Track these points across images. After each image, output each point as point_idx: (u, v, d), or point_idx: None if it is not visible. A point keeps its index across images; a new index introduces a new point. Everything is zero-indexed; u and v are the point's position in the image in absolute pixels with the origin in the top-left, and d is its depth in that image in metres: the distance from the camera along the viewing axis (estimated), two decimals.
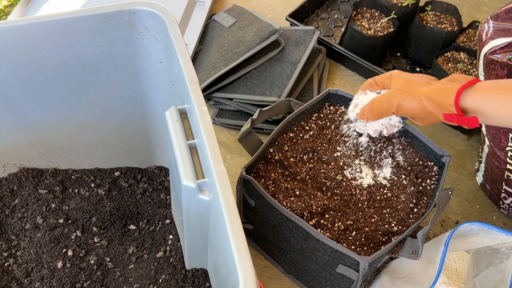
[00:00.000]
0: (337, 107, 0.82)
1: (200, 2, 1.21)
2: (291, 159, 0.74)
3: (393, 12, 1.08)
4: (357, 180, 0.72)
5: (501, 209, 0.88)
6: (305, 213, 0.67)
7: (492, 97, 0.55)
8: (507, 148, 0.76)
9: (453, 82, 0.57)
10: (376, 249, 0.64)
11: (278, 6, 1.31)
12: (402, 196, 0.70)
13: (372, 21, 1.11)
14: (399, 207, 0.69)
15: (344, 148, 0.76)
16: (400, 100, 0.61)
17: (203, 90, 0.98)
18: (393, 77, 0.65)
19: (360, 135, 0.74)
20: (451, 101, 0.56)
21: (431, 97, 0.58)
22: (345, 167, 0.74)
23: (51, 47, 0.64)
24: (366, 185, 0.72)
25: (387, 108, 0.63)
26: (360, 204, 0.69)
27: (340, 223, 0.67)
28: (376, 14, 1.13)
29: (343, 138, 0.76)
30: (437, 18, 1.12)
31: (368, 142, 0.74)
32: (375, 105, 0.66)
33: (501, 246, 0.64)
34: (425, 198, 0.70)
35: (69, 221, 0.79)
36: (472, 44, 1.06)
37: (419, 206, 0.69)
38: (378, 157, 0.74)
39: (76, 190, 0.83)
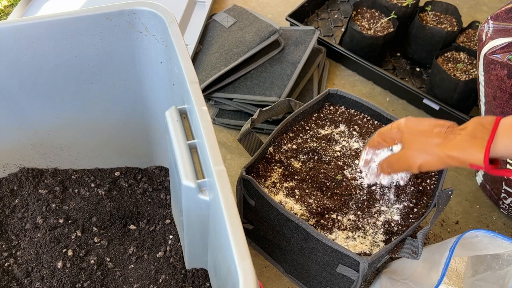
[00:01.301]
0: (337, 107, 0.82)
1: (200, 2, 1.21)
2: (291, 159, 0.74)
3: (393, 12, 1.08)
4: (357, 180, 0.72)
5: (501, 209, 0.88)
6: (305, 213, 0.67)
7: None
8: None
9: (475, 139, 0.52)
10: (376, 249, 0.64)
11: (278, 6, 1.31)
12: (402, 196, 0.71)
13: (372, 21, 1.11)
14: (399, 207, 0.69)
15: (344, 149, 0.76)
16: (421, 162, 0.57)
17: (203, 90, 0.98)
18: (404, 134, 0.59)
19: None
20: (480, 162, 0.52)
21: (454, 156, 0.54)
22: (345, 167, 0.74)
23: (51, 47, 0.64)
24: (366, 185, 0.72)
25: (407, 168, 0.59)
26: (360, 204, 0.69)
27: (340, 223, 0.67)
28: (376, 14, 1.13)
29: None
30: (437, 18, 1.12)
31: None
32: (394, 165, 0.62)
33: (503, 252, 0.64)
34: (425, 198, 0.70)
35: (69, 221, 0.79)
36: (472, 44, 1.06)
37: (419, 206, 0.69)
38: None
39: (76, 190, 0.83)
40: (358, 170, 0.73)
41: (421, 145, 0.57)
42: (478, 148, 0.52)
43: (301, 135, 0.77)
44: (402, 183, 0.70)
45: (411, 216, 0.68)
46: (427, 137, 0.56)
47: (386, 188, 0.71)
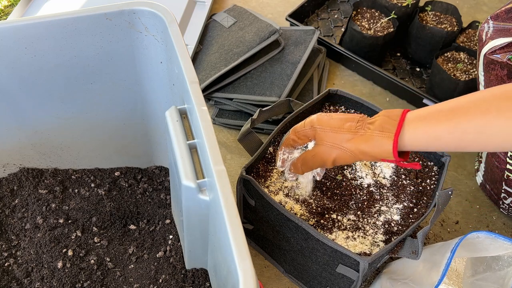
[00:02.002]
0: (337, 107, 0.82)
1: (200, 2, 1.21)
2: None
3: (393, 12, 1.08)
4: (357, 180, 0.72)
5: (501, 209, 0.88)
6: (305, 213, 0.67)
7: (427, 134, 0.51)
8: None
9: (383, 133, 0.53)
10: (376, 249, 0.64)
11: (278, 6, 1.31)
12: (402, 196, 0.71)
13: (372, 21, 1.11)
14: (399, 207, 0.69)
15: None
16: (334, 156, 0.57)
17: (203, 90, 0.98)
18: (317, 130, 0.59)
19: None
20: (389, 155, 0.53)
21: (365, 150, 0.55)
22: (345, 167, 0.74)
23: (51, 47, 0.64)
24: (366, 185, 0.72)
25: (322, 164, 0.60)
26: (360, 204, 0.69)
27: (340, 223, 0.67)
28: (376, 14, 1.13)
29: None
30: (437, 18, 1.12)
31: None
32: (309, 162, 0.61)
33: (503, 253, 0.64)
34: (425, 198, 0.70)
35: (69, 221, 0.79)
36: (472, 44, 1.06)
37: (419, 206, 0.69)
38: None
39: (76, 190, 0.83)
40: (358, 170, 0.73)
41: (333, 141, 0.57)
42: (386, 141, 0.52)
43: None
44: (318, 178, 0.68)
45: (411, 216, 0.68)
46: (339, 132, 0.57)
47: (386, 188, 0.71)
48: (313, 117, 0.60)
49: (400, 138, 0.52)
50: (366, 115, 0.56)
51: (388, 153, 0.53)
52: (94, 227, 0.79)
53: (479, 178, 0.92)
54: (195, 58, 1.07)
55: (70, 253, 0.74)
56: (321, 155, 0.59)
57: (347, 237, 0.65)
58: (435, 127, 0.50)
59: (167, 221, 0.80)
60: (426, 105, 1.02)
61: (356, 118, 0.57)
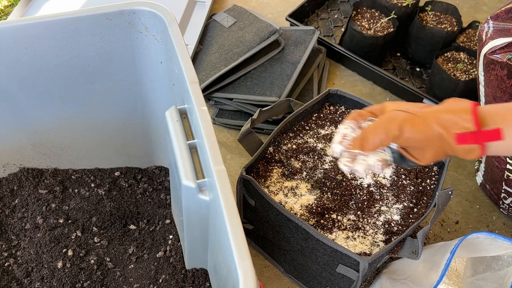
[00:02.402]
0: (337, 107, 0.82)
1: (200, 2, 1.21)
2: (291, 159, 0.74)
3: (393, 12, 1.08)
4: (357, 180, 0.72)
5: (501, 209, 0.88)
6: (305, 213, 0.67)
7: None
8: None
9: (459, 100, 0.48)
10: (376, 249, 0.64)
11: (278, 6, 1.31)
12: (402, 196, 0.71)
13: (372, 21, 1.11)
14: (399, 207, 0.69)
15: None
16: (402, 122, 0.48)
17: (203, 90, 0.98)
18: (387, 105, 0.53)
19: None
20: (468, 112, 0.46)
21: (440, 115, 0.47)
22: None
23: (51, 47, 0.64)
24: (366, 185, 0.72)
25: (386, 133, 0.49)
26: (360, 204, 0.69)
27: (340, 223, 0.67)
28: (376, 14, 1.13)
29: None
30: (437, 18, 1.12)
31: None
32: (371, 132, 0.51)
33: (503, 253, 0.64)
34: (425, 198, 0.70)
35: (69, 221, 0.79)
36: (472, 44, 1.06)
37: (419, 206, 0.69)
38: None
39: (76, 190, 0.83)
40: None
41: (403, 106, 0.50)
42: (464, 105, 0.47)
43: (301, 135, 0.77)
44: (376, 170, 0.54)
45: (411, 216, 0.68)
46: (412, 104, 0.51)
47: (386, 188, 0.71)
48: (387, 102, 0.53)
49: (483, 110, 0.46)
50: None
51: (467, 112, 0.46)
52: (94, 227, 0.79)
53: (479, 178, 0.92)
54: (195, 58, 1.06)
55: (70, 253, 0.74)
56: (388, 120, 0.49)
57: (347, 237, 0.65)
58: None
59: (167, 221, 0.80)
60: None
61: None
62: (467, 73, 1.00)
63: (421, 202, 0.70)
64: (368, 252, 0.63)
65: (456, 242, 0.61)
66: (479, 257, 0.70)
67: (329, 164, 0.74)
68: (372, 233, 0.66)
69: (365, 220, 0.67)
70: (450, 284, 0.72)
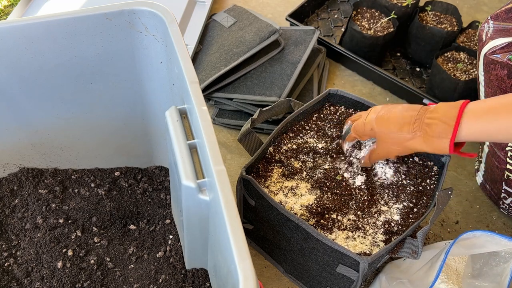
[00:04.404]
0: (337, 107, 0.82)
1: (200, 2, 1.21)
2: (291, 159, 0.74)
3: (393, 12, 1.08)
4: (357, 180, 0.72)
5: (501, 209, 0.88)
6: (305, 213, 0.67)
7: (485, 128, 0.56)
8: (507, 148, 0.76)
9: (440, 139, 0.58)
10: (376, 249, 0.64)
11: (278, 6, 1.31)
12: (402, 196, 0.71)
13: (372, 21, 1.11)
14: (399, 207, 0.69)
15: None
16: (396, 153, 0.67)
17: (203, 90, 0.98)
18: (378, 133, 0.66)
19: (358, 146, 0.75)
20: (446, 152, 0.60)
21: (424, 149, 0.62)
22: (345, 167, 0.74)
23: (51, 47, 0.64)
24: (365, 185, 0.72)
25: (386, 157, 0.71)
26: (360, 204, 0.69)
27: (340, 223, 0.67)
28: (376, 14, 1.13)
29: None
30: (437, 18, 1.12)
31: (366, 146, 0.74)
32: (375, 158, 0.71)
33: (501, 250, 0.64)
34: (425, 198, 0.70)
35: (69, 221, 0.79)
36: (472, 44, 1.06)
37: (419, 206, 0.69)
38: None
39: (76, 190, 0.83)
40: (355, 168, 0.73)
41: (394, 141, 0.65)
42: (443, 144, 0.59)
43: (301, 135, 0.77)
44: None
45: (411, 216, 0.68)
46: (398, 133, 0.63)
47: (386, 188, 0.71)
48: (372, 117, 0.66)
49: (457, 135, 0.58)
50: (420, 113, 0.63)
51: (445, 152, 0.60)
52: (94, 227, 0.79)
53: (479, 178, 0.92)
54: (195, 58, 1.06)
55: (70, 253, 0.74)
56: (385, 153, 0.68)
57: (347, 237, 0.65)
58: (490, 124, 0.55)
59: (167, 221, 0.80)
60: (426, 105, 1.02)
61: (413, 117, 0.62)
62: (467, 73, 1.00)
63: (421, 202, 0.70)
64: (368, 252, 0.63)
65: (451, 243, 0.61)
66: (477, 254, 0.71)
67: (329, 164, 0.74)
68: (372, 233, 0.66)
69: (365, 220, 0.67)
70: (450, 283, 0.72)
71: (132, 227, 0.80)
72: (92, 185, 0.84)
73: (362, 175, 0.72)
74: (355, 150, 0.74)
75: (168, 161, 0.79)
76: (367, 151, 0.72)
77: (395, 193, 0.71)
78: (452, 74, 0.99)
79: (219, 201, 0.46)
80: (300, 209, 0.67)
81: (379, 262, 0.65)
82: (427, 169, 0.74)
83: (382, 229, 0.66)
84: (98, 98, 0.74)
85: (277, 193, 0.69)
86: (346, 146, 0.74)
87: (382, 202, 0.70)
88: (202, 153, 0.53)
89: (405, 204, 0.70)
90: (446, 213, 0.89)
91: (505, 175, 0.79)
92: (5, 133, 0.75)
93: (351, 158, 0.74)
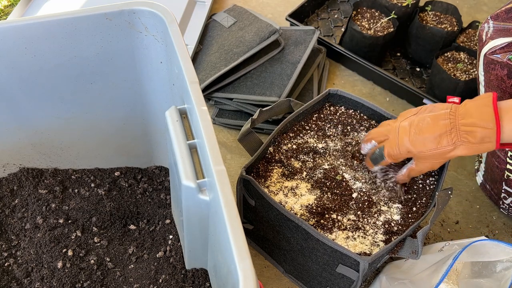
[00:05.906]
0: (337, 107, 0.82)
1: (200, 2, 1.21)
2: (291, 159, 0.74)
3: (393, 12, 1.08)
4: (356, 180, 0.72)
5: (501, 209, 0.88)
6: (305, 213, 0.67)
7: None
8: (507, 148, 0.76)
9: (483, 144, 0.58)
10: (376, 249, 0.64)
11: (278, 6, 1.31)
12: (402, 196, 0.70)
13: (372, 21, 1.11)
14: (399, 206, 0.69)
15: (344, 149, 0.76)
16: (438, 166, 0.67)
17: (203, 90, 0.98)
18: (416, 155, 0.65)
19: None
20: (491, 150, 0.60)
21: (469, 154, 0.61)
22: (345, 167, 0.74)
23: (51, 47, 0.64)
24: (365, 186, 0.72)
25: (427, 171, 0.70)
26: (360, 204, 0.69)
27: (340, 223, 0.67)
28: (376, 14, 1.13)
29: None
30: (437, 18, 1.12)
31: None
32: (415, 174, 0.70)
33: (503, 258, 0.64)
34: (425, 198, 0.70)
35: (69, 221, 0.79)
36: (472, 44, 1.06)
37: (419, 206, 0.69)
38: None
39: (76, 190, 0.83)
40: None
41: (435, 159, 0.64)
42: (490, 147, 0.58)
43: (301, 135, 0.77)
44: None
45: (410, 216, 0.68)
46: (438, 150, 0.62)
47: (386, 188, 0.71)
48: (405, 140, 0.64)
49: (501, 137, 0.57)
50: (454, 111, 0.61)
51: (490, 151, 0.61)
52: (94, 227, 0.79)
53: (479, 178, 0.92)
54: (195, 58, 1.06)
55: (70, 253, 0.74)
56: (428, 168, 0.67)
57: (347, 237, 0.65)
58: None
59: (167, 221, 0.80)
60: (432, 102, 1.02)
61: (447, 126, 0.60)
62: (467, 73, 1.00)
63: (421, 202, 0.70)
64: (368, 252, 0.63)
65: (459, 250, 0.61)
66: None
67: (329, 164, 0.74)
68: (372, 233, 0.66)
69: (365, 220, 0.67)
70: (450, 283, 0.72)
71: (132, 227, 0.80)
72: (92, 185, 0.84)
73: (401, 202, 0.71)
74: (387, 169, 0.72)
75: (168, 161, 0.79)
76: (404, 170, 0.69)
77: (394, 193, 0.71)
78: (452, 74, 0.99)
79: (219, 201, 0.46)
80: (300, 209, 0.67)
81: (379, 262, 0.65)
82: None
83: (382, 229, 0.66)
84: (98, 98, 0.74)
85: (277, 193, 0.69)
86: (376, 168, 0.72)
87: (382, 202, 0.70)
88: (202, 153, 0.53)
89: (405, 204, 0.69)
90: (446, 213, 0.89)
91: (505, 175, 0.79)
92: (5, 133, 0.75)
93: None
